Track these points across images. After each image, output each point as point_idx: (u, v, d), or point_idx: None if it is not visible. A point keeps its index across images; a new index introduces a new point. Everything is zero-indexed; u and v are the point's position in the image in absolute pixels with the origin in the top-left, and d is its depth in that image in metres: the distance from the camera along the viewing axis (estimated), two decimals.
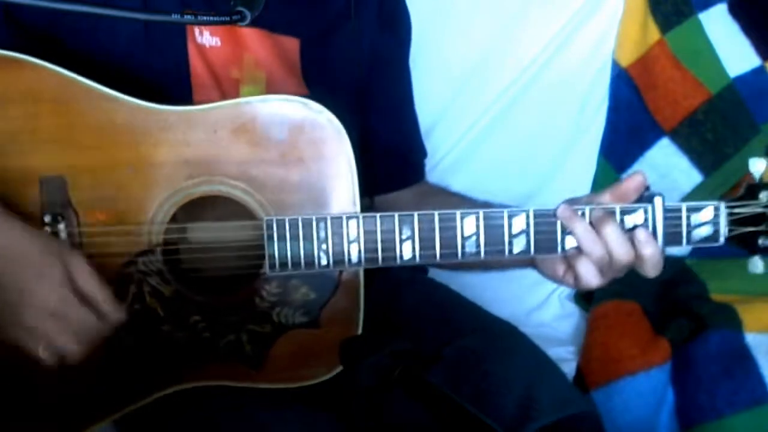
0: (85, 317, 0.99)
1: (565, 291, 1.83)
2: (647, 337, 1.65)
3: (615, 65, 1.81)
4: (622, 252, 1.03)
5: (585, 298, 1.82)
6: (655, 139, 1.84)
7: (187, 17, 0.99)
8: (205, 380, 1.10)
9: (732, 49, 1.78)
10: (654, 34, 1.79)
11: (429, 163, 1.60)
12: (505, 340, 1.24)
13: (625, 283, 1.73)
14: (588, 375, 1.65)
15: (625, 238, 1.03)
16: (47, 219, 1.05)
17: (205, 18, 1.01)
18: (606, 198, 1.07)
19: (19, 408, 1.09)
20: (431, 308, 1.29)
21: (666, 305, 1.73)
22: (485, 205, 1.15)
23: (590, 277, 1.05)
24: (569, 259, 1.07)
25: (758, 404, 1.49)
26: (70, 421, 1.11)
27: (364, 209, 1.09)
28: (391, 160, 1.34)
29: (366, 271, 1.14)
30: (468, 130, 1.77)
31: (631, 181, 1.06)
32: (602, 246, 1.03)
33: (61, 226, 1.05)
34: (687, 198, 1.83)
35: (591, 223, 1.04)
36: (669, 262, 1.79)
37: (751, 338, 1.56)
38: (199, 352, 1.10)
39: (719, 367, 1.55)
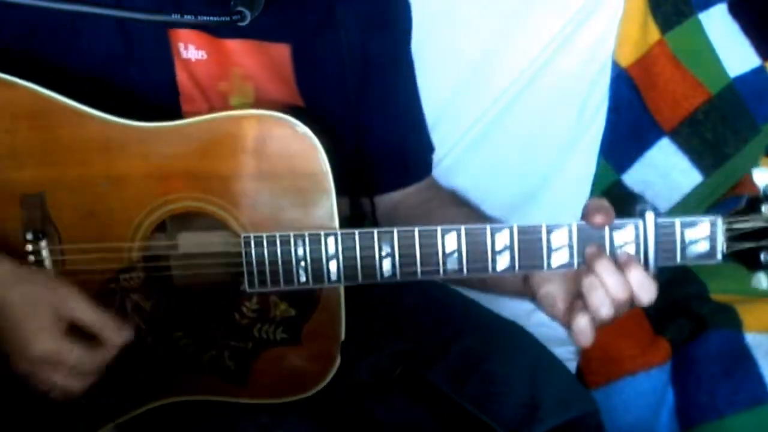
0: (81, 356, 0.99)
1: None
2: (647, 337, 1.65)
3: (615, 65, 1.80)
4: (620, 291, 0.97)
5: None
6: (655, 139, 1.83)
7: (187, 17, 0.99)
8: (191, 395, 1.11)
9: (732, 49, 1.78)
10: (654, 34, 1.79)
11: None
12: (507, 338, 1.24)
13: None
14: (588, 375, 1.65)
15: (620, 278, 0.96)
16: (29, 236, 1.05)
17: (205, 18, 1.01)
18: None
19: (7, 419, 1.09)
20: (432, 306, 1.29)
21: (666, 305, 1.73)
22: (489, 220, 1.11)
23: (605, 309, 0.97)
24: (577, 301, 1.00)
25: (758, 404, 1.49)
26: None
27: (360, 213, 1.07)
28: (391, 158, 1.32)
29: None
30: (468, 130, 1.77)
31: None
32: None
33: (43, 244, 1.05)
34: (687, 198, 1.83)
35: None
36: None
37: (751, 338, 1.56)
38: (182, 367, 1.10)
39: (719, 367, 1.55)
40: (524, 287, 1.07)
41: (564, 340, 1.76)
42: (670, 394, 1.59)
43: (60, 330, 0.98)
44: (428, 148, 1.42)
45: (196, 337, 1.09)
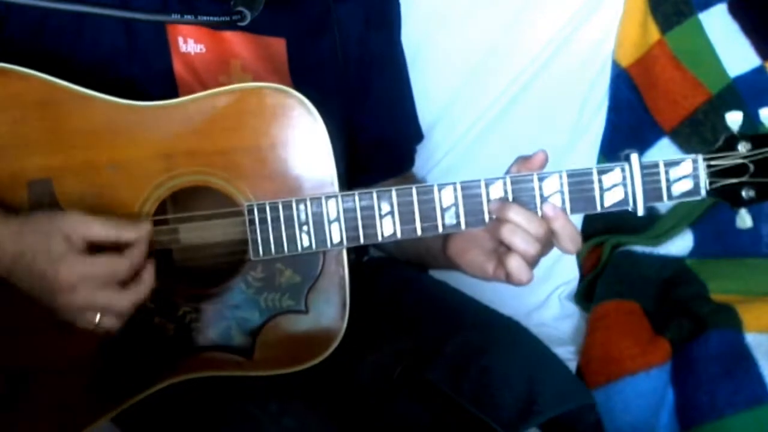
0: (111, 262, 1.01)
1: (565, 291, 1.83)
2: (647, 337, 1.65)
3: (615, 65, 1.81)
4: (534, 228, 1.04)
5: (585, 297, 1.82)
6: (655, 139, 1.84)
7: (187, 17, 1.00)
8: (199, 371, 1.11)
9: (732, 49, 1.78)
10: (654, 34, 1.79)
11: (429, 163, 1.60)
12: (505, 334, 1.24)
13: (625, 283, 1.75)
14: (588, 375, 1.64)
15: (533, 215, 1.05)
16: None
17: (205, 18, 1.02)
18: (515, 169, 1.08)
19: (16, 408, 1.10)
20: (431, 304, 1.29)
21: (666, 305, 1.73)
22: None
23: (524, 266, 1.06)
24: (500, 255, 1.09)
25: (758, 404, 1.49)
26: (69, 420, 1.11)
27: None
28: (381, 153, 1.36)
29: (367, 269, 1.14)
30: (468, 129, 1.77)
31: (537, 159, 1.08)
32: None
33: None
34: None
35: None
36: (669, 262, 1.82)
37: (751, 338, 1.56)
38: (190, 343, 1.11)
39: (719, 367, 1.55)
40: (446, 262, 1.16)
41: (564, 340, 1.76)
42: (670, 394, 1.59)
43: (77, 251, 1.00)
44: (417, 138, 1.46)
45: (203, 312, 1.10)
